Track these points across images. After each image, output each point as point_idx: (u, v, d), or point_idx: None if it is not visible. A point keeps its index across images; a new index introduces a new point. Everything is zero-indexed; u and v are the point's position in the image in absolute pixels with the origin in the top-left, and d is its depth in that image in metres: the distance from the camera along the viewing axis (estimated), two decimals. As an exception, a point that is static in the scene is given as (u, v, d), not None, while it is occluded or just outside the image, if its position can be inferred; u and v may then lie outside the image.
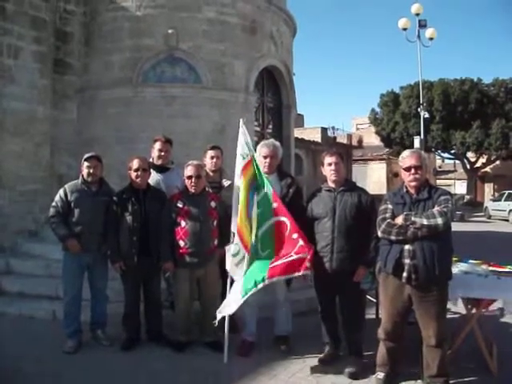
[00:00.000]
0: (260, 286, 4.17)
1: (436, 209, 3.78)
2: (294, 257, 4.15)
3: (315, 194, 4.55)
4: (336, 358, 4.51)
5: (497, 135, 29.38)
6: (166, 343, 4.78)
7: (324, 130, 33.37)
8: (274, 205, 4.38)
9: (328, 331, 4.56)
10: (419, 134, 24.22)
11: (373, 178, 35.56)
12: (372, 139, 40.18)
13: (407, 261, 3.79)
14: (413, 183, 3.93)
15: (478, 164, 34.29)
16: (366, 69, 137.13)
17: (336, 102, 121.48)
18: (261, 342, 4.80)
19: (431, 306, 3.85)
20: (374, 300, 5.68)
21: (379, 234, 3.94)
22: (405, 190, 4.00)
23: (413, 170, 3.91)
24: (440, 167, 42.13)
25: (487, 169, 36.46)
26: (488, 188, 39.85)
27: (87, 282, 4.90)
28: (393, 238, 3.83)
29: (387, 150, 36.65)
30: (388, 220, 3.89)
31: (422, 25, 22.24)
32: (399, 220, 3.83)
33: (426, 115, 24.49)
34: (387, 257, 3.91)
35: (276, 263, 4.21)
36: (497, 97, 30.41)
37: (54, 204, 4.78)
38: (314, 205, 4.45)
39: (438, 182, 43.11)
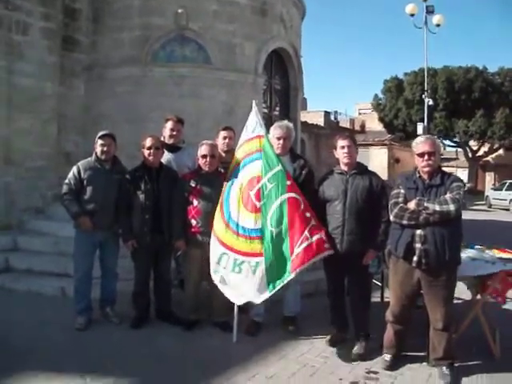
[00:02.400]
0: (285, 281, 4.23)
1: (448, 195, 3.81)
2: (312, 239, 4.18)
3: (327, 176, 4.58)
4: (343, 340, 4.58)
5: (500, 124, 29.26)
6: (175, 322, 4.83)
7: (327, 114, 33.28)
8: (288, 182, 4.40)
9: (336, 313, 4.63)
10: (422, 121, 24.20)
11: (374, 162, 35.41)
12: (375, 124, 40.07)
13: (418, 245, 3.83)
14: (426, 169, 3.95)
15: (480, 153, 34.24)
16: (370, 54, 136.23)
17: (339, 86, 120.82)
18: (269, 322, 4.86)
19: (440, 291, 3.90)
20: (380, 284, 5.75)
21: (391, 217, 3.98)
22: (417, 175, 4.03)
23: (426, 156, 3.93)
24: (442, 155, 41.99)
25: (489, 158, 36.42)
26: (489, 177, 39.86)
27: (97, 259, 4.94)
28: (405, 222, 3.87)
29: (389, 135, 36.58)
30: (401, 204, 3.92)
31: (430, 11, 22.09)
32: (412, 205, 3.86)
33: (431, 102, 24.37)
34: (398, 241, 3.95)
35: (295, 252, 4.21)
36: (502, 86, 30.23)
37: (66, 181, 4.79)
38: (326, 187, 4.48)
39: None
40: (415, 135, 28.58)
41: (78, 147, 8.17)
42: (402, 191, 4.01)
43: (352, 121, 40.90)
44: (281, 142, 4.68)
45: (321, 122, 31.89)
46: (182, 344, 4.48)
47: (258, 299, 4.34)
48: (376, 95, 35.25)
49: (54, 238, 6.73)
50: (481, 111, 29.49)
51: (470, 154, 34.25)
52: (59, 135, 8.18)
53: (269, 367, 4.06)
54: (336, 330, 4.62)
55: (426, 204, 3.79)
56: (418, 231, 3.84)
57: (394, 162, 38.43)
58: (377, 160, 36.47)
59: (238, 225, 4.43)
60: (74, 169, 4.80)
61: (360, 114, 47.47)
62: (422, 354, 4.25)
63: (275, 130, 4.72)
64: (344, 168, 4.45)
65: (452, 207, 3.74)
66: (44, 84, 7.88)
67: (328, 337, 4.60)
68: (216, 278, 4.50)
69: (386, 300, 5.69)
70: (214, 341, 4.55)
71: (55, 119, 8.11)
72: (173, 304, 5.03)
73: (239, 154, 4.66)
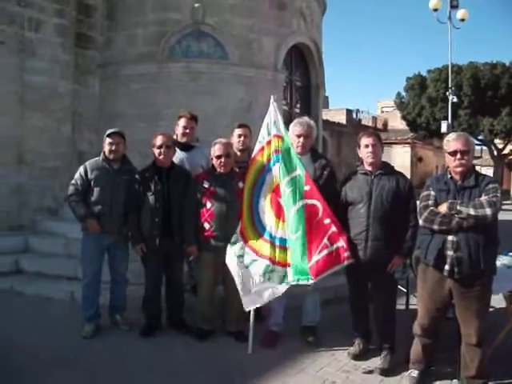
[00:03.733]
0: (306, 281, 4.06)
1: (484, 198, 3.47)
2: (332, 248, 3.93)
3: (350, 177, 4.27)
4: (366, 351, 4.27)
5: (527, 122, 28.42)
6: (187, 331, 4.58)
7: (349, 112, 32.87)
8: (307, 187, 4.12)
9: (358, 323, 4.33)
10: (446, 119, 23.62)
11: (397, 161, 34.85)
12: (397, 123, 39.48)
13: (450, 253, 3.50)
14: (458, 169, 3.61)
15: (506, 151, 33.36)
16: (393, 51, 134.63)
17: (361, 84, 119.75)
18: (287, 332, 4.56)
19: (473, 302, 3.57)
20: (405, 290, 5.44)
21: (421, 222, 3.65)
22: (449, 175, 3.69)
23: (459, 155, 3.59)
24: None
25: (515, 157, 35.51)
26: (515, 176, 38.94)
27: (107, 264, 4.71)
28: (435, 227, 3.53)
29: (412, 134, 35.96)
30: (431, 208, 3.59)
31: (454, 5, 21.52)
32: (443, 208, 3.53)
33: (455, 99, 23.78)
34: (428, 247, 3.63)
35: (314, 259, 3.98)
36: (529, 82, 29.34)
37: (73, 182, 4.57)
38: (349, 189, 4.17)
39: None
40: (439, 133, 28.16)
41: (92, 146, 8.00)
42: (433, 193, 3.67)
43: (374, 119, 40.36)
44: (301, 140, 4.37)
45: (343, 120, 31.50)
46: (194, 355, 4.22)
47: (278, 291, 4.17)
48: (399, 93, 34.57)
49: (64, 239, 6.56)
50: (507, 109, 28.63)
51: (495, 153, 33.41)
52: (73, 134, 8.05)
53: (286, 382, 3.78)
54: (358, 341, 4.32)
55: (459, 207, 3.46)
56: (450, 237, 3.51)
57: (416, 160, 37.87)
58: (399, 159, 35.92)
59: (273, 236, 4.25)
60: (81, 169, 4.57)
61: (382, 112, 46.90)
62: (451, 369, 3.93)
63: (295, 127, 4.41)
64: (368, 168, 4.14)
65: (489, 211, 3.40)
66: (57, 82, 7.73)
67: (350, 349, 4.30)
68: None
69: (411, 307, 5.42)
70: (228, 352, 4.28)
71: (69, 118, 7.97)
72: (185, 310, 4.78)
73: (264, 157, 4.37)
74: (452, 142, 3.66)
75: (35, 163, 7.49)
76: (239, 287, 4.22)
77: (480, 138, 32.08)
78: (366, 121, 37.93)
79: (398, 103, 34.78)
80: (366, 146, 4.13)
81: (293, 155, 4.24)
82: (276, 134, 4.34)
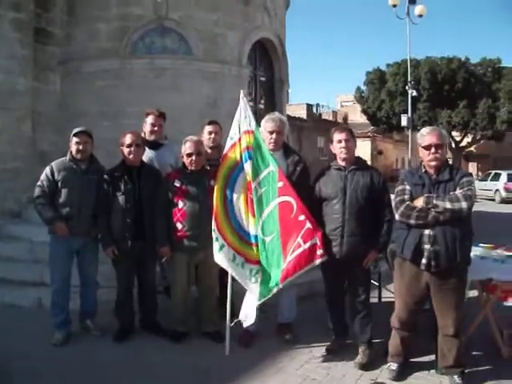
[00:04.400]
0: (274, 291, 3.97)
1: (459, 191, 3.51)
2: (305, 246, 3.87)
3: (323, 172, 4.24)
4: (344, 346, 4.27)
5: (483, 115, 29.31)
6: (162, 333, 4.47)
7: (309, 107, 33.05)
8: (280, 184, 4.05)
9: (335, 318, 4.32)
10: (406, 113, 24.05)
11: (357, 154, 35.44)
12: (357, 117, 40.06)
13: (427, 246, 3.54)
14: (433, 163, 3.64)
15: (463, 143, 34.34)
16: (351, 46, 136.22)
17: (319, 78, 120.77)
18: (263, 330, 4.51)
19: (450, 294, 3.62)
20: (377, 283, 5.48)
21: (397, 217, 3.66)
22: (423, 169, 3.71)
23: (433, 149, 3.62)
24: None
25: (472, 148, 36.58)
26: (472, 167, 40.12)
27: (75, 267, 4.54)
28: (412, 221, 3.56)
29: (372, 127, 36.51)
30: (407, 202, 3.60)
31: (412, 1, 21.94)
32: (419, 202, 3.56)
33: (414, 93, 24.26)
34: (405, 242, 3.64)
35: (287, 260, 3.92)
36: (484, 76, 30.25)
37: (39, 183, 4.36)
38: (323, 184, 4.14)
39: (423, 160, 43.17)
40: (399, 127, 28.68)
41: (54, 146, 7.68)
42: (408, 187, 3.69)
43: (334, 113, 40.82)
44: (273, 136, 4.31)
45: (303, 114, 31.64)
46: (170, 358, 4.11)
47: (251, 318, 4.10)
48: (358, 87, 35.09)
49: (29, 243, 6.26)
50: (464, 102, 29.50)
51: (453, 145, 34.32)
52: (34, 134, 7.70)
53: (266, 382, 3.74)
54: (335, 337, 4.31)
55: (435, 201, 3.49)
56: (427, 231, 3.54)
57: (376, 153, 38.48)
58: (360, 152, 35.90)
59: (248, 233, 4.15)
60: (47, 169, 4.38)
61: (342, 106, 47.44)
62: (429, 359, 4.01)
63: (267, 123, 4.35)
64: (342, 163, 4.12)
65: (464, 205, 3.45)
66: (16, 79, 7.38)
67: (328, 344, 4.29)
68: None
69: (383, 300, 5.46)
70: (205, 353, 4.20)
71: (29, 117, 7.62)
72: (159, 313, 4.67)
73: (236, 153, 4.25)
74: (426, 136, 3.68)
75: (-6, 165, 7.16)
76: (246, 287, 4.14)
77: (438, 130, 32.84)
78: (327, 115, 38.30)
79: (357, 97, 35.33)
80: (339, 141, 4.11)
81: (265, 151, 4.17)
82: (247, 130, 4.25)
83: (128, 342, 4.39)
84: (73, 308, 4.55)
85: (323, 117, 36.92)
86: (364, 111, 34.67)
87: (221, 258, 4.12)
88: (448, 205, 3.44)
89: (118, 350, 4.25)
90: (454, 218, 3.47)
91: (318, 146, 30.23)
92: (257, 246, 4.13)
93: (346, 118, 41.47)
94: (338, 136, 4.14)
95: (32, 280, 5.66)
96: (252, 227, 4.14)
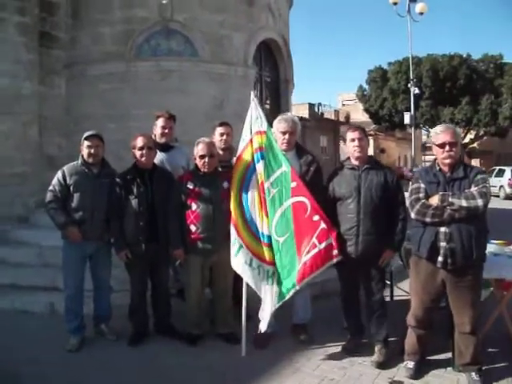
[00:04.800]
0: (292, 292, 3.96)
1: (474, 189, 3.50)
2: (321, 246, 3.85)
3: (336, 172, 4.23)
4: (360, 345, 4.26)
5: (486, 111, 29.27)
6: (176, 336, 4.45)
7: (311, 106, 32.98)
8: (293, 184, 4.03)
9: (351, 318, 4.31)
10: (408, 110, 24.07)
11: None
12: (359, 115, 39.95)
13: (443, 244, 3.52)
14: (447, 160, 3.62)
15: (466, 140, 34.29)
16: (352, 45, 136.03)
17: (321, 77, 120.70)
18: (278, 331, 4.49)
19: (466, 291, 3.61)
20: (389, 282, 5.46)
21: (412, 215, 3.64)
22: (437, 167, 3.70)
23: (447, 147, 3.60)
24: (426, 143, 42.13)
25: (475, 144, 36.52)
26: (475, 163, 39.88)
27: (89, 271, 4.51)
28: (428, 219, 3.54)
29: (374, 126, 36.46)
30: (423, 200, 3.59)
31: (413, -1, 21.97)
32: (435, 200, 3.54)
33: (416, 91, 24.28)
34: (421, 240, 3.63)
35: (302, 260, 3.90)
36: (486, 73, 30.19)
37: (51, 188, 4.33)
38: (336, 184, 4.12)
39: (425, 157, 43.20)
40: (402, 124, 28.66)
41: (61, 150, 7.72)
42: (423, 186, 3.67)
43: (337, 112, 40.69)
44: (286, 136, 4.29)
45: (305, 114, 31.55)
46: (185, 361, 4.09)
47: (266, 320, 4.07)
48: (360, 86, 35.06)
49: (38, 248, 6.25)
50: (466, 98, 29.45)
51: (456, 142, 34.23)
52: (41, 138, 7.71)
53: (283, 383, 3.72)
54: (351, 336, 4.30)
55: (451, 199, 3.47)
56: (443, 229, 3.52)
57: (379, 152, 38.40)
58: (362, 151, 36.31)
59: (263, 234, 4.12)
60: (59, 174, 4.34)
61: (343, 105, 47.37)
62: (445, 357, 3.99)
63: (280, 124, 4.33)
64: (355, 162, 4.10)
65: (480, 202, 3.43)
66: (21, 83, 7.39)
67: (343, 344, 4.27)
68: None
69: (395, 299, 5.44)
70: (221, 355, 4.18)
71: (36, 121, 7.63)
72: (172, 316, 4.64)
73: (248, 155, 4.24)
74: (440, 134, 3.67)
75: (2, 170, 7.14)
76: (260, 292, 4.10)
77: (441, 127, 32.81)
78: (329, 114, 38.15)
79: (359, 96, 35.29)
80: (352, 140, 4.09)
81: (277, 152, 4.15)
82: (259, 130, 4.23)
83: (143, 346, 4.37)
84: (86, 312, 4.53)
85: (325, 116, 36.84)
86: (366, 109, 34.62)
87: (237, 262, 4.11)
88: (464, 202, 3.43)
89: (132, 354, 4.23)
90: (469, 216, 3.45)
91: (321, 145, 30.25)
92: (269, 246, 4.11)
93: (348, 117, 41.37)
94: (351, 135, 4.12)
95: (43, 285, 5.63)
96: (266, 228, 4.13)
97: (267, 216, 4.12)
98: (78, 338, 4.34)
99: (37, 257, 6.18)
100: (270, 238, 4.12)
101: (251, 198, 4.18)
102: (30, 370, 3.90)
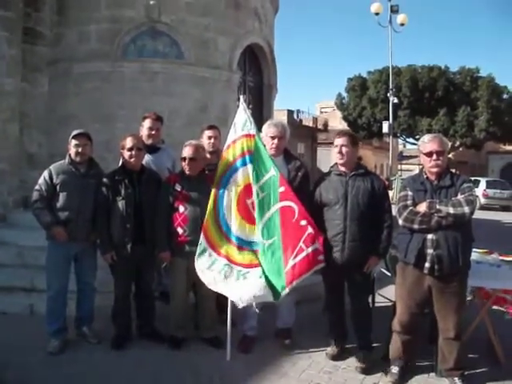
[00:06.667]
0: (283, 295, 3.97)
1: (461, 197, 3.57)
2: (308, 250, 3.87)
3: (324, 177, 4.26)
4: (343, 351, 4.28)
5: (462, 123, 29.82)
6: (160, 340, 4.41)
7: (290, 113, 33.10)
8: (281, 189, 4.04)
9: (335, 324, 4.33)
10: (386, 120, 24.31)
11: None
12: (336, 123, 40.22)
13: (430, 251, 3.59)
14: (434, 169, 3.70)
15: (442, 150, 34.79)
16: (332, 53, 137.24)
17: (299, 85, 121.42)
18: (262, 335, 4.50)
19: (452, 298, 3.69)
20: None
21: (400, 222, 3.70)
22: (424, 176, 3.77)
23: (434, 156, 3.69)
24: (403, 152, 42.70)
25: (450, 155, 37.10)
26: (450, 174, 40.64)
27: (73, 272, 4.42)
28: (416, 226, 3.60)
29: (352, 134, 36.69)
30: (410, 207, 3.65)
31: (394, 10, 22.27)
32: (422, 208, 3.60)
33: (395, 101, 24.56)
34: (408, 246, 3.69)
35: (290, 264, 3.91)
36: (463, 85, 30.75)
37: (37, 187, 4.24)
38: (323, 190, 4.15)
39: (401, 166, 43.70)
40: (380, 133, 28.94)
41: (41, 148, 7.56)
42: (410, 193, 3.74)
43: (315, 119, 40.92)
44: (275, 141, 4.31)
45: (284, 120, 31.62)
46: (169, 365, 4.05)
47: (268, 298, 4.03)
48: (339, 94, 35.32)
49: (17, 248, 6.10)
50: (443, 110, 29.95)
51: (432, 152, 34.74)
52: (21, 135, 7.52)
53: (270, 388, 3.73)
54: (335, 342, 4.32)
55: (438, 206, 3.54)
56: (430, 236, 3.59)
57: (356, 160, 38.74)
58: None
59: (237, 237, 4.11)
60: (46, 173, 4.26)
61: (322, 112, 47.63)
62: (428, 363, 4.05)
63: (269, 129, 4.34)
64: (342, 169, 4.13)
65: (467, 209, 3.51)
66: (3, 80, 7.19)
67: (328, 349, 4.30)
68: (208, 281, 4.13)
69: (376, 305, 5.48)
70: (206, 360, 4.15)
71: (16, 118, 7.44)
72: (156, 319, 4.60)
73: (229, 155, 4.23)
74: (428, 143, 3.74)
75: (-21, 167, 6.98)
76: (227, 294, 4.11)
77: (418, 138, 33.33)
78: (307, 121, 38.32)
79: (338, 104, 35.52)
80: (336, 146, 4.13)
81: (265, 156, 4.15)
82: (247, 133, 4.22)
83: (126, 349, 4.30)
84: (69, 314, 4.44)
85: (303, 123, 36.99)
86: (345, 118, 34.90)
87: (199, 264, 4.12)
88: (451, 210, 3.50)
89: (116, 358, 4.16)
90: (456, 223, 3.53)
91: (299, 152, 30.38)
92: (240, 248, 4.11)
93: (326, 125, 41.62)
94: (336, 141, 4.15)
95: (22, 286, 5.50)
96: (252, 232, 4.12)
97: (252, 222, 4.11)
98: (60, 340, 4.26)
99: (15, 257, 6.02)
100: (242, 240, 4.12)
101: (227, 198, 4.17)
102: (13, 374, 3.80)
